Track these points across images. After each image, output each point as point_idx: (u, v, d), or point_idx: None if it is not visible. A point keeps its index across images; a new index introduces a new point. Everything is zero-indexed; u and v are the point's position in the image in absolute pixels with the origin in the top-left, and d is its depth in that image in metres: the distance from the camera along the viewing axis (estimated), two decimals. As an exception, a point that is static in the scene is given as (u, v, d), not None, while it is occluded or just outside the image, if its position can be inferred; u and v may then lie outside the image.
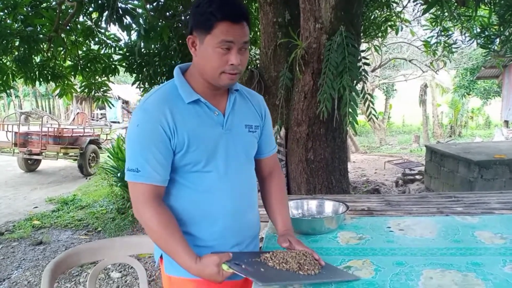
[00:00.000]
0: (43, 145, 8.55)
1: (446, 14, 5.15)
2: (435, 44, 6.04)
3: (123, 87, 22.79)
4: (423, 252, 1.33)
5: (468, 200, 2.71)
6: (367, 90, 3.43)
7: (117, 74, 5.24)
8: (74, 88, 5.58)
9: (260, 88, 4.14)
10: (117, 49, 5.11)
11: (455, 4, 4.40)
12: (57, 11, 4.18)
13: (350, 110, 3.09)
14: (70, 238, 4.83)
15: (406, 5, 6.42)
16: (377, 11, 5.92)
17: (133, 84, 4.96)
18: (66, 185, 8.09)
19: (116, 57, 5.15)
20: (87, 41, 5.12)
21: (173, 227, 1.16)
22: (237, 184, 1.29)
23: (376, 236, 1.49)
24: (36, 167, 9.44)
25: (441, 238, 1.46)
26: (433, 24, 5.66)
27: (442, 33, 5.78)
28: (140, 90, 4.97)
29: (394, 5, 5.91)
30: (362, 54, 3.47)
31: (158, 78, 4.75)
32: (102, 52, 5.09)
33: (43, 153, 8.61)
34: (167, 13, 4.65)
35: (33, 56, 4.59)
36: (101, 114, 23.12)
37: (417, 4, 5.49)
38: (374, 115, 3.47)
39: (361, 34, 4.87)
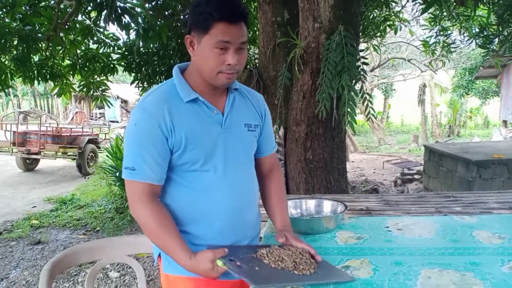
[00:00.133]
0: (42, 145, 8.53)
1: (445, 13, 5.15)
2: (434, 44, 6.05)
3: (122, 87, 22.76)
4: (421, 251, 1.33)
5: (467, 200, 2.72)
6: (366, 89, 3.43)
7: (115, 73, 5.24)
8: (72, 87, 5.57)
9: (259, 88, 4.14)
10: (115, 48, 5.10)
11: (454, 3, 4.41)
12: (56, 10, 4.17)
13: (348, 109, 3.09)
14: (69, 237, 4.82)
15: (405, 4, 6.43)
16: (376, 10, 5.92)
17: (131, 83, 4.95)
18: (65, 184, 8.08)
19: (115, 56, 5.14)
20: (85, 40, 5.11)
21: (168, 224, 1.16)
22: (236, 183, 1.28)
23: (375, 236, 1.49)
24: (34, 167, 9.43)
25: (439, 237, 1.46)
26: (432, 23, 5.66)
27: (441, 33, 5.78)
28: (139, 89, 4.96)
29: (393, 4, 5.92)
30: (361, 54, 3.47)
31: (157, 77, 4.75)
32: (100, 51, 5.08)
33: (42, 153, 8.60)
34: (166, 12, 4.65)
35: (31, 55, 4.58)
36: (100, 113, 23.08)
37: (416, 3, 5.49)
38: (373, 115, 3.47)
39: (360, 34, 4.86)
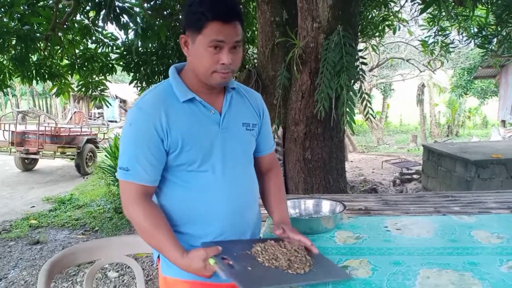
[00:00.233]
0: (40, 144, 8.52)
1: (444, 13, 5.15)
2: (433, 44, 6.05)
3: (121, 86, 22.73)
4: (420, 251, 1.33)
5: (465, 200, 2.72)
6: (365, 89, 3.43)
7: (114, 73, 5.23)
8: (71, 87, 5.57)
9: (258, 87, 4.14)
10: (114, 48, 5.10)
11: (453, 3, 4.41)
12: (54, 9, 4.16)
13: (347, 109, 3.09)
14: (67, 237, 4.82)
15: (404, 4, 6.43)
16: (375, 10, 5.93)
17: (130, 83, 4.95)
18: (63, 184, 8.07)
19: (113, 56, 5.14)
20: (84, 40, 5.10)
21: (161, 223, 1.16)
22: (236, 183, 1.27)
23: (373, 236, 1.49)
24: (33, 166, 9.42)
25: (438, 237, 1.46)
26: (431, 23, 5.67)
27: (440, 33, 5.79)
28: (137, 89, 4.96)
29: (392, 4, 5.92)
30: (360, 54, 3.47)
31: (156, 77, 4.74)
32: (99, 51, 5.07)
33: (40, 152, 8.59)
34: (165, 12, 4.65)
35: (30, 55, 4.57)
36: (99, 113, 23.05)
37: (414, 3, 5.49)
38: (372, 115, 3.48)
39: (359, 34, 4.87)
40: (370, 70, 13.56)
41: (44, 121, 11.56)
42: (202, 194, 1.23)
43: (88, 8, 4.57)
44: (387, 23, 6.03)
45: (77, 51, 5.05)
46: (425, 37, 6.28)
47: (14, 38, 4.16)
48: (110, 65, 5.05)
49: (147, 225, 1.15)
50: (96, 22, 4.59)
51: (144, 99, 1.21)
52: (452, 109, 18.26)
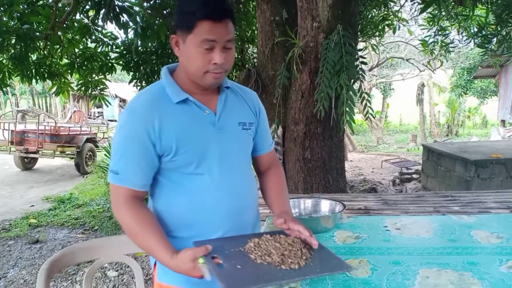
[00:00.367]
0: (40, 144, 8.52)
1: (443, 13, 5.15)
2: (433, 43, 6.05)
3: (120, 86, 22.70)
4: (420, 251, 1.33)
5: (465, 200, 2.72)
6: (364, 89, 3.43)
7: (114, 72, 5.23)
8: (71, 86, 5.57)
9: (258, 87, 4.14)
10: (114, 47, 5.09)
11: (452, 3, 4.41)
12: (54, 8, 4.16)
13: (347, 109, 3.09)
14: (67, 236, 4.82)
15: (404, 4, 6.43)
16: (375, 10, 5.93)
17: (130, 82, 4.94)
18: (63, 183, 8.07)
19: (113, 55, 5.13)
20: (83, 39, 5.10)
21: (150, 224, 1.12)
22: (234, 184, 1.24)
23: (373, 235, 1.49)
24: (32, 166, 9.42)
25: (437, 237, 1.46)
26: (431, 23, 5.67)
27: (439, 33, 5.79)
28: (137, 88, 4.95)
29: (392, 4, 5.92)
30: (360, 53, 3.47)
31: (155, 76, 4.74)
32: (99, 50, 5.07)
33: (40, 152, 8.59)
34: (164, 11, 4.63)
35: (29, 54, 4.57)
36: (98, 112, 23.04)
37: (414, 3, 5.50)
38: (371, 114, 3.47)
39: (359, 33, 4.86)
40: (370, 70, 13.57)
41: (44, 120, 11.55)
42: (199, 197, 1.20)
43: (87, 7, 4.57)
44: (387, 22, 6.03)
45: (76, 50, 5.05)
46: (425, 37, 6.27)
47: (14, 37, 4.16)
48: (110, 64, 5.05)
49: (136, 226, 1.12)
50: (96, 21, 4.59)
51: (136, 102, 1.18)
52: (451, 109, 18.27)
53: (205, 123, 1.20)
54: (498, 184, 5.26)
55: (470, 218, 1.67)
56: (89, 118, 18.65)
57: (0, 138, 9.00)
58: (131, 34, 4.49)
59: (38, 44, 4.44)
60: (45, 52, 4.80)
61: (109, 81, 5.92)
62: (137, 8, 4.25)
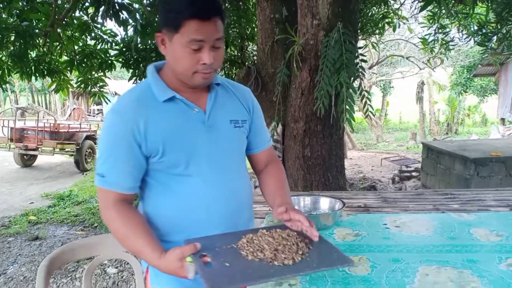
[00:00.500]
0: (40, 141, 8.52)
1: (444, 11, 5.15)
2: (433, 42, 6.05)
3: (120, 83, 22.66)
4: (419, 249, 1.33)
5: (464, 197, 2.72)
6: (364, 87, 3.43)
7: (113, 69, 5.23)
8: (70, 83, 5.56)
9: (257, 85, 4.13)
10: (113, 44, 5.09)
11: (453, 1, 4.41)
12: (53, 5, 4.15)
13: (347, 107, 3.09)
14: (66, 233, 4.82)
15: (404, 2, 6.42)
16: (375, 8, 5.92)
17: (129, 79, 4.94)
18: (63, 180, 8.07)
19: (112, 52, 5.13)
20: (83, 36, 5.09)
21: (138, 226, 1.07)
22: (227, 186, 1.19)
23: (372, 233, 1.49)
24: (32, 163, 9.42)
25: (437, 235, 1.46)
26: (431, 21, 5.67)
27: (440, 31, 5.79)
28: (136, 85, 4.94)
29: (392, 2, 5.91)
30: (360, 51, 3.47)
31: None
32: (98, 47, 5.06)
33: (40, 149, 8.58)
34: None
35: (29, 51, 4.56)
36: (98, 109, 23.02)
37: (414, 1, 5.49)
38: (371, 112, 3.47)
39: (359, 31, 4.86)
40: (370, 68, 13.55)
41: (43, 117, 11.54)
42: (189, 199, 1.15)
43: (87, 4, 4.57)
44: (387, 20, 6.03)
45: (76, 47, 5.04)
46: (425, 35, 6.28)
47: (13, 34, 4.15)
48: (109, 62, 5.04)
49: (123, 229, 1.08)
50: (95, 18, 4.58)
51: (120, 102, 1.14)
52: (451, 107, 18.28)
53: (194, 122, 1.15)
54: (498, 182, 5.26)
55: (469, 216, 1.67)
56: (89, 115, 18.65)
57: (-1, 135, 9.00)
58: (130, 31, 4.48)
59: (37, 41, 4.44)
60: (45, 49, 4.80)
61: (109, 78, 5.92)
62: (136, 5, 4.24)
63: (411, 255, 1.28)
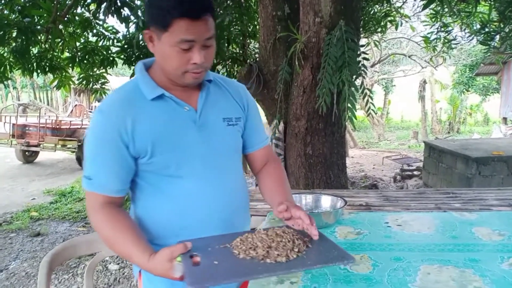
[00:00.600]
0: (41, 137, 8.53)
1: (446, 10, 5.13)
2: (435, 40, 6.03)
3: (121, 80, 22.67)
4: (421, 248, 1.33)
5: (466, 197, 2.72)
6: (366, 85, 3.42)
7: (115, 66, 5.22)
8: (72, 80, 5.56)
9: (259, 82, 4.12)
10: (115, 41, 5.08)
11: (455, 0, 4.39)
12: (55, 2, 4.15)
13: (349, 105, 3.08)
14: (68, 230, 4.83)
15: (406, 0, 6.40)
16: (377, 6, 5.90)
17: (131, 76, 4.92)
18: (64, 177, 8.08)
19: (114, 49, 5.12)
20: (85, 33, 5.09)
21: (126, 228, 1.03)
22: (221, 187, 1.16)
23: (374, 231, 1.49)
24: (34, 159, 9.44)
25: (439, 234, 1.46)
26: (433, 19, 5.64)
27: (442, 29, 5.76)
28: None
29: (394, 0, 5.89)
30: (362, 49, 3.46)
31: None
32: (100, 44, 5.06)
33: (41, 145, 8.60)
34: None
35: (30, 47, 4.56)
36: (99, 106, 23.02)
37: (417, -1, 5.47)
38: (373, 110, 3.47)
39: (361, 29, 4.85)
40: (372, 66, 13.53)
41: (45, 113, 11.55)
42: (181, 201, 1.12)
43: (89, 0, 4.56)
44: (389, 18, 6.00)
45: (77, 44, 5.03)
46: (428, 33, 6.25)
47: (15, 31, 4.15)
48: (111, 59, 5.03)
49: (111, 232, 1.04)
50: (97, 15, 4.58)
51: (107, 101, 1.10)
52: (453, 106, 18.24)
53: (184, 121, 1.11)
54: (500, 181, 5.25)
55: (471, 215, 1.66)
56: (90, 112, 18.63)
57: (1, 131, 9.01)
58: (132, 28, 4.48)
59: (39, 37, 4.43)
60: (46, 46, 4.79)
61: (110, 75, 5.91)
62: (138, 2, 4.23)
63: (413, 253, 1.28)
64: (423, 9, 4.16)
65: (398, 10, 6.21)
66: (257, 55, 4.89)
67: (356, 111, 3.19)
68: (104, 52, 5.03)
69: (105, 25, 5.03)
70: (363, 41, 6.88)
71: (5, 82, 5.02)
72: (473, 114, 21.44)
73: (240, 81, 4.12)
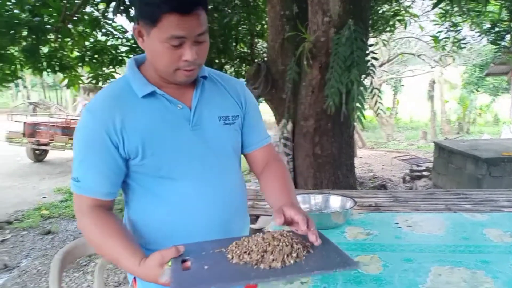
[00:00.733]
0: (51, 136, 8.62)
1: (456, 9, 5.08)
2: (444, 40, 5.98)
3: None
4: (432, 249, 1.32)
5: (477, 198, 2.70)
6: (375, 85, 3.40)
7: (124, 65, 5.25)
8: (81, 79, 5.60)
9: (267, 82, 4.12)
10: (124, 40, 5.11)
11: (466, -2, 4.35)
12: (64, 1, 4.19)
13: (357, 104, 3.08)
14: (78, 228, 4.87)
15: (416, -1, 6.37)
16: (386, 5, 5.87)
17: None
18: (73, 176, 8.14)
19: (123, 48, 5.16)
20: (94, 32, 5.13)
21: (115, 231, 0.98)
22: (217, 189, 1.10)
23: (384, 232, 1.48)
24: (43, 158, 9.52)
25: (449, 235, 1.45)
26: (442, 19, 5.60)
27: (451, 28, 5.72)
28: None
29: (403, -1, 5.86)
30: (370, 49, 3.44)
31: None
32: (109, 43, 5.09)
33: (51, 144, 8.68)
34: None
35: (40, 46, 4.61)
36: (108, 105, 23.17)
37: (427, -2, 5.43)
38: (382, 110, 3.45)
39: (369, 29, 4.82)
40: (381, 66, 13.45)
41: (55, 112, 11.66)
42: (175, 204, 1.07)
43: (98, 0, 4.59)
44: (398, 18, 5.97)
45: (87, 43, 5.07)
46: (437, 33, 6.21)
47: (25, 30, 4.19)
48: (120, 58, 5.07)
49: (99, 236, 0.98)
50: (106, 14, 4.61)
51: (96, 99, 1.04)
52: (463, 106, 18.06)
53: (177, 120, 1.05)
54: (510, 182, 5.19)
55: (482, 217, 1.65)
56: (99, 111, 18.76)
57: (12, 130, 9.11)
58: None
59: (49, 36, 4.48)
60: (56, 45, 4.84)
61: (119, 74, 5.95)
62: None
63: (423, 254, 1.27)
64: (433, 8, 4.15)
65: (407, 9, 6.17)
66: (265, 55, 4.89)
67: (365, 110, 3.17)
68: (113, 51, 5.07)
69: (114, 24, 5.06)
70: (371, 40, 6.84)
71: (16, 81, 5.07)
72: (483, 114, 21.22)
73: (248, 81, 4.13)
